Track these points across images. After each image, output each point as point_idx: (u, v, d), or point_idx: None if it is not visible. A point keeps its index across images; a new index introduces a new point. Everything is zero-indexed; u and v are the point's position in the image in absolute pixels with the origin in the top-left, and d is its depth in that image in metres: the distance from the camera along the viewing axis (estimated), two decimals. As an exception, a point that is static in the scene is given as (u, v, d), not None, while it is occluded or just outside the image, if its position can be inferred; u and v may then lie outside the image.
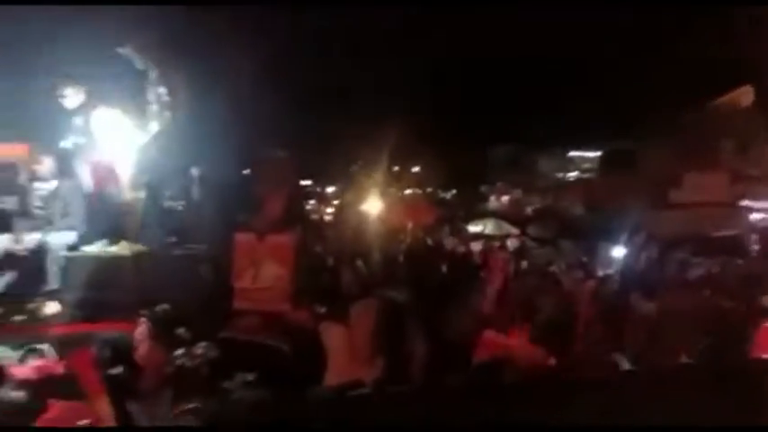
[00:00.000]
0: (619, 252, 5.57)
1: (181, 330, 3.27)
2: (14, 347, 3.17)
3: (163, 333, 3.15)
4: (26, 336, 3.38)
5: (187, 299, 3.16)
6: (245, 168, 3.35)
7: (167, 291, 3.29)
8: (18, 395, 2.55)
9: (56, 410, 2.55)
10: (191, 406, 2.60)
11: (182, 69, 3.41)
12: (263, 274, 3.39)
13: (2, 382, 2.87)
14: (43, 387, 2.64)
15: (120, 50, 3.32)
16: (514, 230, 10.16)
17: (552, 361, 2.71)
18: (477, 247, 6.46)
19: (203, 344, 2.96)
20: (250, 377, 3.03)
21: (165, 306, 3.19)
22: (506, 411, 2.39)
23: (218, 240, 3.24)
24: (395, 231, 5.58)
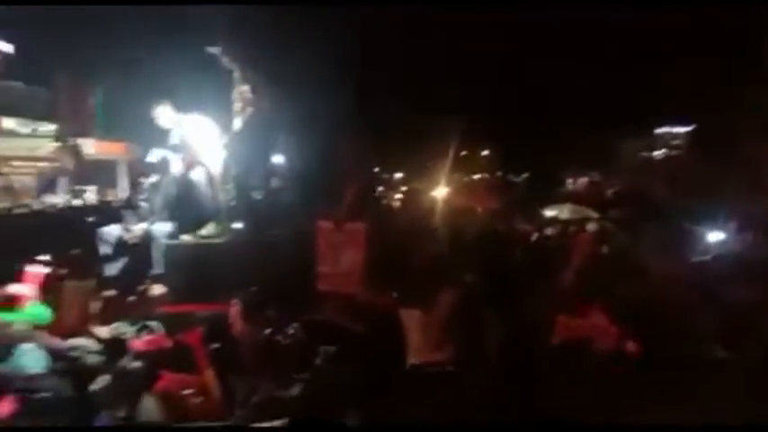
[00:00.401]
0: (711, 236, 5.17)
1: (270, 311, 3.56)
2: (130, 324, 3.61)
3: (253, 314, 3.44)
4: (138, 314, 3.83)
5: (274, 282, 3.40)
6: (324, 159, 3.53)
7: (256, 275, 3.57)
8: (137, 365, 2.93)
9: (167, 380, 2.91)
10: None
11: (263, 67, 3.63)
12: (342, 260, 3.58)
13: (123, 353, 3.31)
14: (156, 359, 3.01)
15: (211, 50, 3.60)
16: (593, 214, 9.71)
17: (633, 346, 2.63)
18: (552, 231, 6.27)
19: (295, 325, 3.17)
20: (331, 356, 3.24)
21: (254, 289, 3.47)
22: (582, 394, 2.37)
23: (300, 228, 3.47)
24: (466, 216, 5.56)
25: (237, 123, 3.88)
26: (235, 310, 3.44)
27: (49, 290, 3.62)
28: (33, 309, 3.19)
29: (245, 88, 3.75)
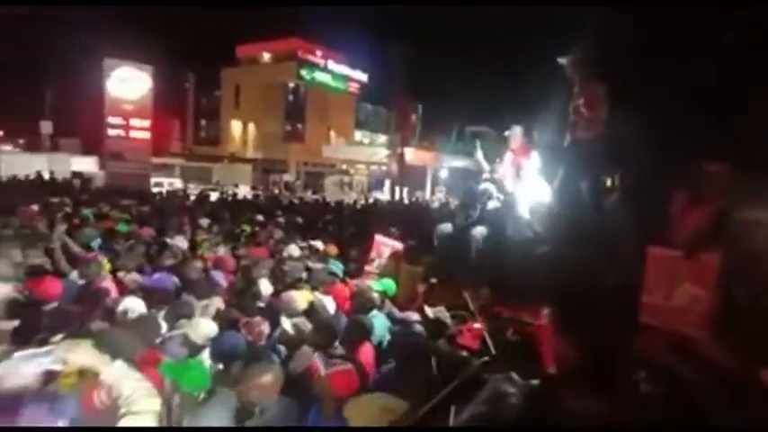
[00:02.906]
0: None
1: (581, 332, 3.42)
2: (448, 310, 4.09)
3: (567, 332, 3.37)
4: (452, 302, 4.29)
5: (594, 303, 3.25)
6: (668, 180, 3.16)
7: (573, 290, 3.48)
8: (463, 354, 3.28)
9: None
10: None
11: (604, 80, 3.48)
12: (678, 293, 3.13)
13: (442, 334, 3.78)
14: (479, 349, 3.31)
15: (560, 60, 3.64)
16: None
17: None
18: None
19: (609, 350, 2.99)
20: (654, 397, 2.89)
21: (571, 305, 3.39)
22: None
23: (631, 250, 3.20)
24: None
25: (569, 138, 3.85)
26: (545, 322, 3.46)
27: (391, 267, 4.43)
28: (387, 282, 3.96)
29: (582, 101, 3.67)
